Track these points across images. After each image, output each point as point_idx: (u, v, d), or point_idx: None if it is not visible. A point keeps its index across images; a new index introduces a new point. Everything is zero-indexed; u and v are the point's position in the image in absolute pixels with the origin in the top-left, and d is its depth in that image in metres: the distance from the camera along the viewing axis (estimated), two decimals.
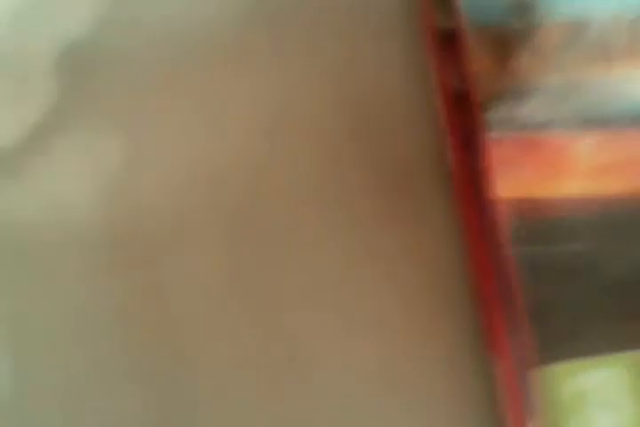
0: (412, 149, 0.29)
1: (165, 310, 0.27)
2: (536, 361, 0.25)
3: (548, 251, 0.26)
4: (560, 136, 0.27)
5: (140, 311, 0.27)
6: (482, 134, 0.28)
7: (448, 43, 0.29)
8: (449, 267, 0.27)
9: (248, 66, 0.30)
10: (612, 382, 0.25)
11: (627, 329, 0.25)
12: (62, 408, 0.27)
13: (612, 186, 0.26)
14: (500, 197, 0.27)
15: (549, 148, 0.27)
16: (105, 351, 0.27)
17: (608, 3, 0.29)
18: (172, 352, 0.27)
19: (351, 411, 0.27)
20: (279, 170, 0.29)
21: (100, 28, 0.30)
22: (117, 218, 0.28)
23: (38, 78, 0.29)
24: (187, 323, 0.27)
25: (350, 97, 0.30)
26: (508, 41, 0.29)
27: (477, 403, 0.26)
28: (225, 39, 0.31)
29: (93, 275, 0.27)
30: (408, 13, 0.31)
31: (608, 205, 0.26)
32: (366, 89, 0.30)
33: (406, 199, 0.28)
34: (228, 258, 0.28)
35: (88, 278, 0.27)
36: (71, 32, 0.29)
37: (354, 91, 0.30)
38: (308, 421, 0.27)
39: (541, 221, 0.26)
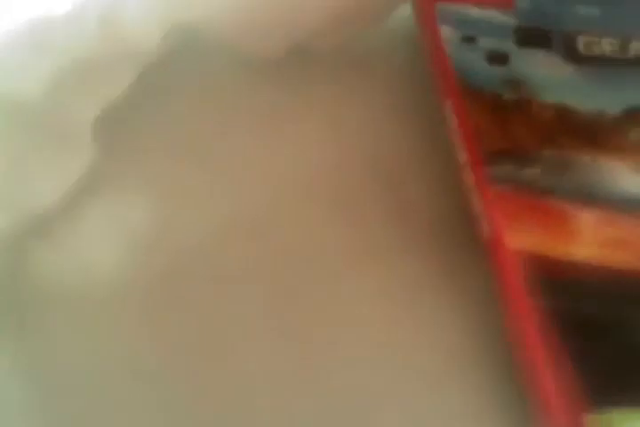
0: (438, 209, 0.30)
1: (199, 369, 0.27)
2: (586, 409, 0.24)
3: (571, 306, 0.25)
4: (562, 205, 0.28)
5: (174, 372, 0.27)
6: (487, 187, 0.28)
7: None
8: (487, 326, 0.27)
9: (280, 127, 0.31)
10: None
11: None
12: None
13: (618, 259, 0.26)
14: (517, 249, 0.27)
15: (553, 213, 0.27)
16: (139, 406, 0.26)
17: (593, 98, 0.30)
18: (215, 406, 0.26)
19: None
20: (315, 228, 0.29)
21: (137, 92, 0.30)
22: (150, 277, 0.28)
23: (77, 140, 0.29)
24: (227, 382, 0.26)
25: (381, 163, 0.31)
26: (502, 109, 0.30)
27: None
28: (259, 102, 0.32)
29: (126, 334, 0.27)
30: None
31: (619, 274, 0.26)
32: (392, 153, 0.31)
33: (438, 261, 0.28)
34: (264, 322, 0.27)
35: (122, 336, 0.27)
36: (109, 95, 0.29)
37: (384, 156, 0.31)
38: None
39: (558, 278, 0.26)
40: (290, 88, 0.33)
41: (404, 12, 0.34)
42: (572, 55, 0.31)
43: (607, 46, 0.32)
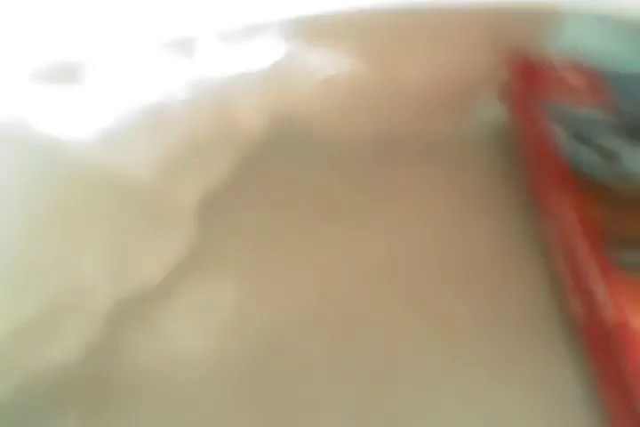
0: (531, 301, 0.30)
1: None
2: None
3: None
4: None
5: None
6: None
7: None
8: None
9: (369, 218, 0.32)
10: None
11: None
12: None
13: None
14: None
15: None
16: None
17: None
18: None
19: None
20: (396, 318, 0.29)
21: (238, 177, 0.31)
22: (237, 364, 0.27)
23: (179, 222, 0.29)
24: None
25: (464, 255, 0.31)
26: (616, 201, 0.30)
27: None
28: (349, 192, 0.33)
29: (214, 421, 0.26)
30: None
31: None
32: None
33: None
34: (357, 401, 0.27)
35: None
36: (212, 178, 0.30)
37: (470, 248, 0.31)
38: None
39: None
40: (380, 178, 0.33)
41: (493, 107, 0.35)
42: None
43: None
